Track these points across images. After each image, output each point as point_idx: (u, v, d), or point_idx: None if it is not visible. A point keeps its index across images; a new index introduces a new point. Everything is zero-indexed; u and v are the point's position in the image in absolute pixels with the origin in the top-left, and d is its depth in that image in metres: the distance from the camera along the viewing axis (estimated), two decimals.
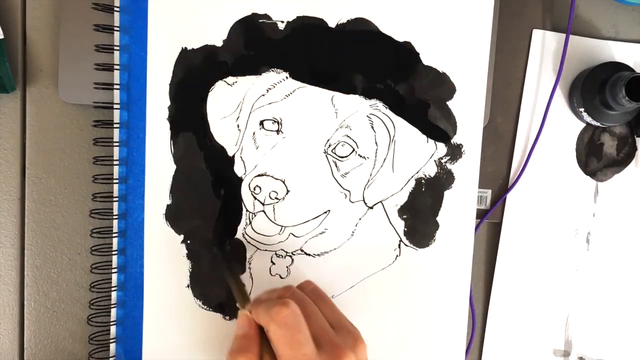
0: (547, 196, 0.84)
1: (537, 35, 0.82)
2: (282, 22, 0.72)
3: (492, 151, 0.82)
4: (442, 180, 0.76)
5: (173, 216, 0.73)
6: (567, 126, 0.84)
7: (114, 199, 0.71)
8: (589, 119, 0.81)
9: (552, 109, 0.82)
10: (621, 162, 0.85)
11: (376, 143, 0.74)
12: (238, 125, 0.72)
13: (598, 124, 0.82)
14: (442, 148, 0.75)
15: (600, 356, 0.87)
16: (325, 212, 0.74)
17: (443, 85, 0.74)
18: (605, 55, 0.84)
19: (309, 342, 0.60)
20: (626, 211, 0.86)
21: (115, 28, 0.70)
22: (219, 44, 0.71)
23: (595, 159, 0.85)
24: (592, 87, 0.79)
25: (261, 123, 0.72)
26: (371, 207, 0.75)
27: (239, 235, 0.74)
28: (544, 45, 0.83)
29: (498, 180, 0.83)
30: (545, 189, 0.84)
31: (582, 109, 0.81)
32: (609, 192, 0.85)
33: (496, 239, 0.84)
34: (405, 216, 0.76)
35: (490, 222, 0.84)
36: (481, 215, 0.82)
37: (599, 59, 0.83)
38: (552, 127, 0.83)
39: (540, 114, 0.82)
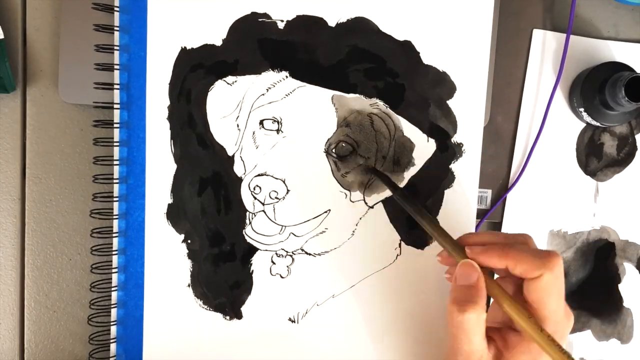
0: (548, 196, 0.84)
1: (538, 35, 0.82)
2: (282, 21, 0.72)
3: (492, 151, 0.82)
4: (442, 179, 0.76)
5: (174, 216, 0.73)
6: (567, 126, 0.84)
7: (115, 199, 0.71)
8: (589, 119, 0.81)
9: (552, 108, 0.82)
10: (621, 162, 0.85)
11: (376, 142, 0.74)
12: (238, 125, 0.72)
13: (598, 124, 0.82)
14: (442, 147, 0.75)
15: (601, 357, 0.87)
16: (326, 212, 0.74)
17: (443, 84, 0.74)
18: (606, 55, 0.84)
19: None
20: (626, 211, 0.86)
21: (115, 28, 0.70)
22: (219, 43, 0.71)
23: (596, 158, 0.85)
24: (592, 87, 0.79)
25: (261, 122, 0.73)
26: (371, 207, 0.75)
27: (239, 235, 0.74)
28: (544, 45, 0.83)
29: (498, 180, 0.83)
30: (545, 189, 0.84)
31: (582, 109, 0.81)
32: (610, 192, 0.85)
33: None
34: (405, 215, 0.75)
35: (490, 221, 0.84)
36: (481, 215, 0.82)
37: (599, 58, 0.83)
38: (552, 127, 0.83)
39: (540, 113, 0.82)
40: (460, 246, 0.63)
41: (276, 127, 0.73)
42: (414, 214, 0.69)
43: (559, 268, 0.58)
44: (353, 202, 0.75)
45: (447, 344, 0.62)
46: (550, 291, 0.58)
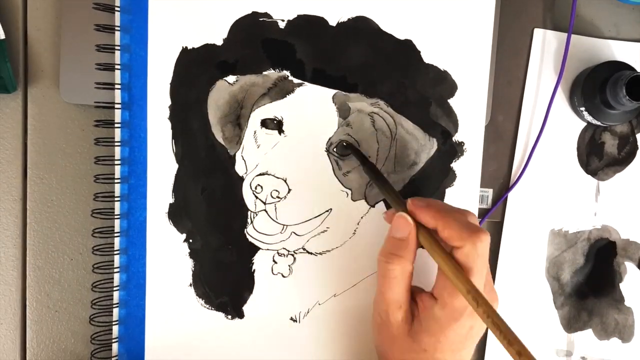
0: (549, 195, 0.84)
1: (538, 34, 0.82)
2: (283, 20, 0.72)
3: (493, 150, 0.82)
4: (444, 178, 0.76)
5: (175, 215, 0.73)
6: (568, 125, 0.84)
7: (116, 199, 0.71)
8: (589, 118, 0.81)
9: (553, 108, 0.82)
10: (622, 161, 0.85)
11: (378, 141, 0.74)
12: (239, 125, 0.72)
13: (599, 123, 0.82)
14: (443, 146, 0.75)
15: (603, 356, 0.87)
16: (327, 211, 0.74)
17: (444, 83, 0.74)
18: (606, 54, 0.84)
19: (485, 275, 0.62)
20: (627, 210, 0.86)
21: (116, 28, 0.70)
22: (220, 42, 0.71)
23: (597, 158, 0.85)
24: (593, 86, 0.79)
25: (262, 122, 0.73)
26: (373, 206, 0.75)
27: (241, 234, 0.74)
28: (545, 45, 0.83)
29: (499, 179, 0.83)
30: (546, 188, 0.84)
31: (583, 108, 0.81)
32: (610, 191, 0.85)
33: (497, 239, 0.83)
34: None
35: (491, 221, 0.84)
36: (482, 214, 0.82)
37: (599, 58, 0.83)
38: (553, 126, 0.83)
39: (541, 113, 0.82)
40: (403, 202, 0.65)
41: (277, 127, 0.73)
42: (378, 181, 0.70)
43: (482, 245, 0.60)
44: (354, 201, 0.75)
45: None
46: (468, 263, 0.59)
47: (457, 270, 0.59)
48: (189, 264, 0.73)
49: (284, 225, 0.74)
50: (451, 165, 0.76)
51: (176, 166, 0.72)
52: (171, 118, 0.72)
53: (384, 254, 0.64)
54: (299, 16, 0.72)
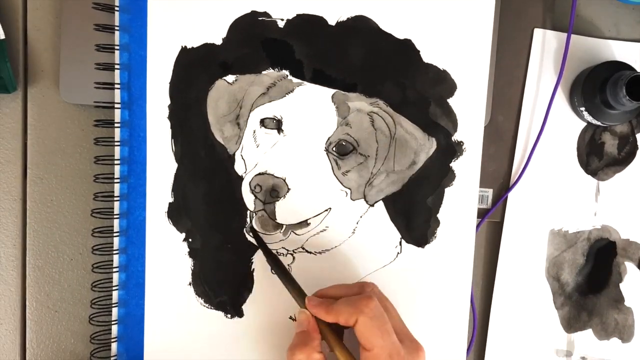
0: (549, 195, 0.84)
1: (538, 34, 0.82)
2: (282, 20, 0.72)
3: (493, 150, 0.82)
4: (443, 178, 0.76)
5: (174, 214, 0.73)
6: (568, 125, 0.84)
7: (115, 198, 0.71)
8: (590, 118, 0.81)
9: (553, 108, 0.82)
10: (622, 161, 0.85)
11: (377, 141, 0.74)
12: (238, 124, 0.73)
13: (599, 123, 0.82)
14: (443, 145, 0.75)
15: (603, 356, 0.87)
16: (326, 210, 0.74)
17: (444, 83, 0.74)
18: (606, 54, 0.84)
19: (393, 332, 0.64)
20: (627, 210, 0.86)
21: (116, 27, 0.70)
22: (219, 42, 0.71)
23: (597, 158, 0.85)
24: (593, 86, 0.79)
25: (261, 121, 0.73)
26: (372, 205, 0.75)
27: (240, 234, 0.74)
28: (544, 45, 0.83)
29: (499, 179, 0.83)
30: (546, 188, 0.84)
31: (583, 108, 0.81)
32: (610, 191, 0.85)
33: (497, 239, 0.83)
34: (406, 214, 0.76)
35: (491, 221, 0.84)
36: (482, 214, 0.82)
37: (599, 58, 0.83)
38: (553, 126, 0.83)
39: (541, 113, 0.82)
40: (303, 298, 0.69)
41: (276, 126, 0.73)
42: (273, 266, 0.73)
43: (370, 310, 0.64)
44: (353, 200, 0.75)
45: None
46: (368, 331, 0.63)
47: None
48: (188, 263, 0.73)
49: (283, 224, 0.74)
50: (450, 164, 0.76)
51: (175, 165, 0.72)
52: (170, 117, 0.72)
53: (290, 348, 0.66)
54: (298, 15, 0.72)
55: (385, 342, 0.63)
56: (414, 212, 0.76)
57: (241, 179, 0.73)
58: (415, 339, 0.67)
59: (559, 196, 0.84)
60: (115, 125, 0.71)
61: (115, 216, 0.72)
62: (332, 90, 0.73)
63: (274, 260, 0.72)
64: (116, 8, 0.70)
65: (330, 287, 0.71)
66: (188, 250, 0.73)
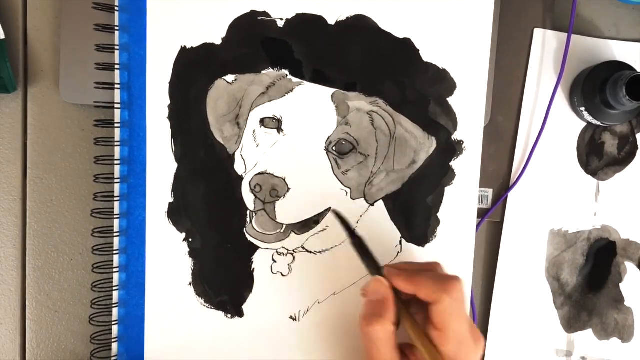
0: (549, 195, 0.84)
1: (538, 34, 0.82)
2: (281, 19, 0.72)
3: (493, 150, 0.82)
4: (443, 177, 0.76)
5: (175, 214, 0.73)
6: (568, 125, 0.84)
7: (115, 198, 0.71)
8: (589, 118, 0.81)
9: (553, 108, 0.82)
10: (622, 161, 0.85)
11: (377, 140, 0.74)
12: (238, 124, 0.73)
13: (599, 123, 0.82)
14: (443, 144, 0.75)
15: (603, 356, 0.87)
16: (326, 210, 0.74)
17: (443, 82, 0.75)
18: (606, 54, 0.84)
19: (468, 320, 0.63)
20: (627, 210, 0.86)
21: (115, 27, 0.70)
22: (218, 42, 0.72)
23: (597, 158, 0.85)
24: (593, 86, 0.79)
25: (261, 121, 0.73)
26: (372, 204, 0.75)
27: (240, 234, 0.74)
28: (544, 45, 0.83)
29: (499, 179, 0.83)
30: (546, 188, 0.84)
31: (583, 108, 0.81)
32: (610, 192, 0.85)
33: (497, 239, 0.83)
34: (406, 213, 0.76)
35: (491, 221, 0.84)
36: (482, 214, 0.82)
37: (599, 58, 0.83)
38: (553, 126, 0.83)
39: (541, 113, 0.83)
40: (379, 266, 0.67)
41: (276, 126, 0.73)
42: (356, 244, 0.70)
43: (457, 292, 0.62)
44: (354, 199, 0.75)
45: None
46: (449, 313, 0.61)
47: (426, 345, 0.62)
48: (188, 263, 0.73)
49: (283, 224, 0.74)
50: (450, 163, 0.76)
51: (175, 165, 0.72)
52: (170, 117, 0.72)
53: (364, 317, 0.64)
54: (297, 15, 0.72)
55: (460, 327, 0.62)
56: (414, 211, 0.76)
57: (241, 178, 0.73)
58: (476, 328, 0.66)
59: (559, 196, 0.84)
60: (115, 125, 0.71)
61: (115, 216, 0.72)
62: (332, 90, 0.73)
63: (345, 225, 0.70)
64: (116, 8, 0.70)
65: (403, 262, 0.70)
66: (188, 250, 0.73)
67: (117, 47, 0.70)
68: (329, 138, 0.73)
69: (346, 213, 0.73)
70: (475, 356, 0.64)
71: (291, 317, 0.75)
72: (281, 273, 0.75)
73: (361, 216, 0.75)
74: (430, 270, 0.67)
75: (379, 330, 0.62)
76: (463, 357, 0.62)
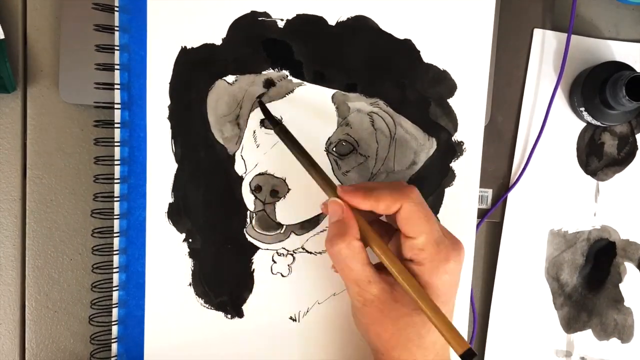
0: (548, 196, 0.84)
1: (538, 34, 0.82)
2: (282, 20, 0.72)
3: (492, 151, 0.82)
4: (443, 178, 0.76)
5: (175, 215, 0.73)
6: (568, 125, 0.84)
7: (115, 199, 0.71)
8: (589, 119, 0.81)
9: (552, 108, 0.82)
10: (622, 161, 0.85)
11: (377, 141, 0.74)
12: (238, 124, 0.73)
13: (599, 124, 0.82)
14: (443, 145, 0.75)
15: (602, 356, 0.87)
16: None
17: (444, 83, 0.74)
18: (606, 54, 0.84)
19: (438, 223, 0.63)
20: (627, 210, 0.86)
21: (115, 28, 0.70)
22: (219, 42, 0.71)
23: (596, 158, 0.85)
24: (593, 86, 0.79)
25: (261, 122, 0.73)
26: None
27: (240, 234, 0.74)
28: (544, 45, 0.83)
29: (499, 179, 0.83)
30: (546, 188, 0.84)
31: (582, 109, 0.81)
32: (610, 192, 0.85)
33: (497, 239, 0.83)
34: None
35: (491, 221, 0.84)
36: (482, 214, 0.82)
37: (599, 58, 0.83)
38: (552, 126, 0.83)
39: (541, 113, 0.83)
40: (334, 188, 0.65)
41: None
42: (294, 152, 0.68)
43: (416, 196, 0.62)
44: None
45: None
46: (413, 218, 0.61)
47: (395, 264, 0.62)
48: (188, 263, 0.73)
49: (283, 224, 0.74)
50: (450, 164, 0.76)
51: (176, 166, 0.72)
52: (171, 118, 0.72)
53: (327, 240, 0.64)
54: (298, 16, 0.72)
55: (432, 228, 0.61)
56: None
57: (241, 179, 0.73)
58: (453, 235, 0.66)
59: (559, 196, 0.84)
60: (115, 125, 0.71)
61: (115, 217, 0.71)
62: (332, 91, 0.73)
63: (291, 141, 0.69)
64: (116, 8, 0.70)
65: (361, 183, 0.70)
66: (188, 250, 0.73)
67: (117, 48, 0.70)
68: (329, 139, 0.73)
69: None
70: (456, 258, 0.63)
71: (291, 318, 0.75)
72: (281, 274, 0.75)
73: None
74: (388, 183, 0.67)
75: (343, 248, 0.62)
76: (443, 262, 0.62)
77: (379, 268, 0.64)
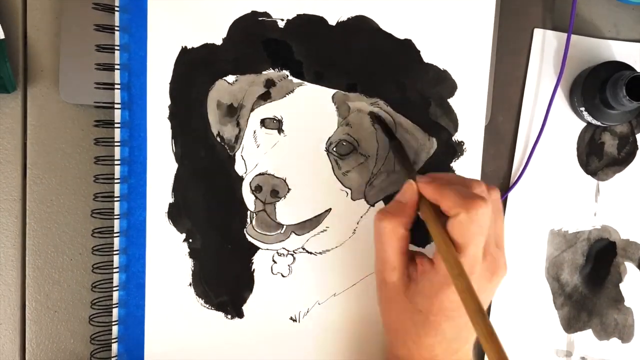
0: (548, 195, 0.84)
1: (538, 34, 0.82)
2: (282, 20, 0.72)
3: (493, 151, 0.82)
4: None
5: (175, 215, 0.73)
6: (568, 125, 0.84)
7: (116, 199, 0.71)
8: (589, 118, 0.81)
9: (553, 108, 0.82)
10: (622, 161, 0.85)
11: (377, 141, 0.74)
12: (238, 124, 0.73)
13: (599, 123, 0.82)
14: (443, 145, 0.75)
15: (603, 356, 0.87)
16: (327, 211, 0.74)
17: (444, 83, 0.75)
18: (606, 54, 0.84)
19: (482, 248, 0.61)
20: (627, 210, 0.86)
21: (116, 28, 0.70)
22: (219, 42, 0.71)
23: (596, 158, 0.85)
24: (593, 86, 0.79)
25: (262, 122, 0.73)
26: (373, 205, 0.75)
27: (240, 234, 0.74)
28: (544, 45, 0.83)
29: (499, 179, 0.83)
30: (546, 188, 0.84)
31: (582, 108, 0.81)
32: (610, 192, 0.85)
33: None
34: None
35: None
36: None
37: (599, 58, 0.83)
38: (553, 126, 0.83)
39: (541, 113, 0.82)
40: (415, 174, 0.66)
41: (277, 126, 0.73)
42: (403, 166, 0.70)
43: (476, 211, 0.59)
44: (354, 200, 0.75)
45: None
46: (464, 231, 0.59)
47: (445, 243, 0.60)
48: (188, 263, 0.73)
49: (283, 225, 0.74)
50: (451, 164, 0.76)
51: (176, 166, 0.72)
52: (171, 118, 0.72)
53: (380, 211, 0.64)
54: (298, 16, 0.72)
55: (473, 251, 0.59)
56: None
57: (241, 179, 0.73)
58: (500, 258, 0.64)
59: (559, 196, 0.84)
60: (115, 125, 0.71)
61: (115, 217, 0.71)
62: (333, 91, 0.73)
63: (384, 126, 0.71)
64: (116, 8, 0.70)
65: (440, 173, 0.69)
66: (188, 250, 0.73)
67: (117, 48, 0.70)
68: (329, 139, 0.73)
69: (346, 214, 0.73)
70: (489, 283, 0.64)
71: (291, 318, 0.75)
72: (281, 274, 0.75)
73: (361, 217, 0.75)
74: (464, 186, 0.64)
75: (387, 228, 0.62)
76: (474, 280, 0.58)
77: (412, 259, 0.65)
